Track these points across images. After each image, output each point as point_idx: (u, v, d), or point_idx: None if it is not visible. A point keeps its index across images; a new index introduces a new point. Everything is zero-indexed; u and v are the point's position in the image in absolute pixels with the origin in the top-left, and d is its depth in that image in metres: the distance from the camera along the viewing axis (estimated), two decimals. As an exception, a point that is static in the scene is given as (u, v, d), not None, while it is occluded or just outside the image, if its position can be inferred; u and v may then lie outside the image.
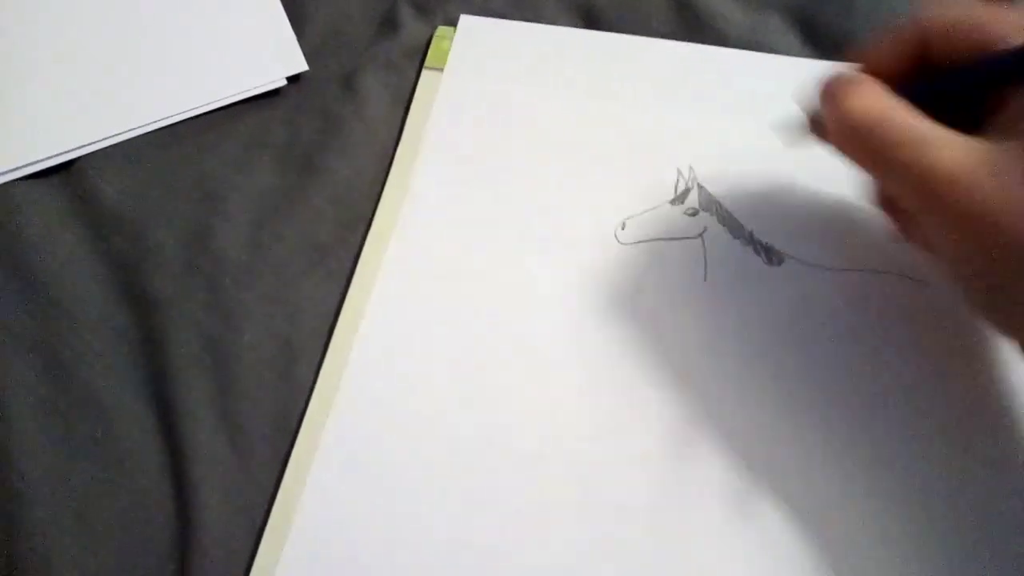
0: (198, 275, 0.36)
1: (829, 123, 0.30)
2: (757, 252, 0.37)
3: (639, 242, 0.37)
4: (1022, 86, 0.26)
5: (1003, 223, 0.24)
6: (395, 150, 0.40)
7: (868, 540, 0.30)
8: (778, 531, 0.30)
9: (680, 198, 0.38)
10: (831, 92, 0.30)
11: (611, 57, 0.43)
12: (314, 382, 0.34)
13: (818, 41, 0.44)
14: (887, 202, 0.33)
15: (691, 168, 0.39)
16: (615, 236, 0.37)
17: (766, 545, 0.30)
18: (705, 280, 0.36)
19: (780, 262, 0.36)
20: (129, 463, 0.32)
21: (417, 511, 0.31)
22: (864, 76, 0.30)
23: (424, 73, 0.43)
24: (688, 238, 0.37)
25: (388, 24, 0.45)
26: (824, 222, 0.37)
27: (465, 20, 0.44)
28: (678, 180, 0.38)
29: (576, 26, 0.46)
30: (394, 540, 0.31)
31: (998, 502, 0.31)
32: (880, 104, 0.28)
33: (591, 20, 0.46)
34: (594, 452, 0.32)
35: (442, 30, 0.45)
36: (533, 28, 0.44)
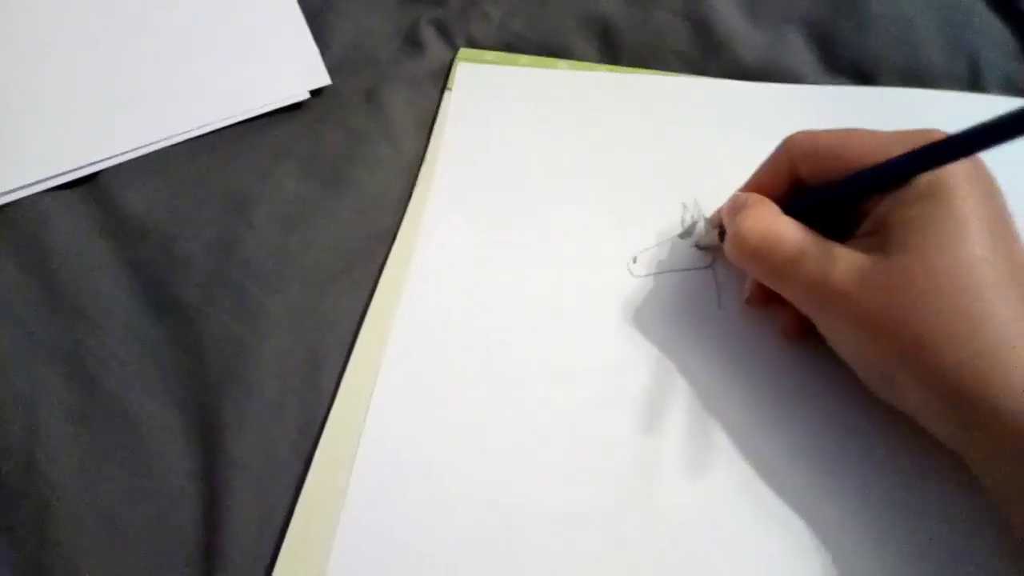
0: (224, 283, 0.37)
1: (727, 245, 0.33)
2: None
3: (652, 275, 0.38)
4: (879, 197, 0.29)
5: (890, 327, 0.27)
6: (419, 167, 0.41)
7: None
8: (795, 549, 0.30)
9: (688, 232, 0.39)
10: (728, 215, 0.33)
11: (611, 94, 0.44)
12: (336, 389, 0.34)
13: (834, 59, 0.45)
14: (759, 300, 0.35)
15: (696, 202, 0.39)
16: (628, 270, 0.38)
17: (793, 557, 0.30)
18: (719, 308, 0.36)
19: None
20: (156, 470, 0.32)
21: (451, 520, 0.31)
22: (756, 197, 0.33)
23: (446, 95, 0.44)
24: (699, 269, 0.38)
25: (410, 43, 0.46)
26: None
27: (463, 68, 0.45)
28: (684, 214, 0.39)
29: (593, 46, 0.46)
30: (429, 549, 0.31)
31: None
32: (770, 222, 0.31)
33: (608, 41, 0.46)
34: (611, 466, 0.32)
35: (464, 52, 0.46)
36: (530, 71, 0.46)
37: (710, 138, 0.42)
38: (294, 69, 0.44)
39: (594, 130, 0.43)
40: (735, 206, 0.33)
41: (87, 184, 0.40)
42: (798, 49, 0.45)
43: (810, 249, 0.30)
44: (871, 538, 0.30)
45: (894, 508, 0.31)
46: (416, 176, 0.41)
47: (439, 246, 0.38)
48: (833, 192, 0.31)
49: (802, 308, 0.31)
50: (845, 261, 0.29)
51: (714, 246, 0.37)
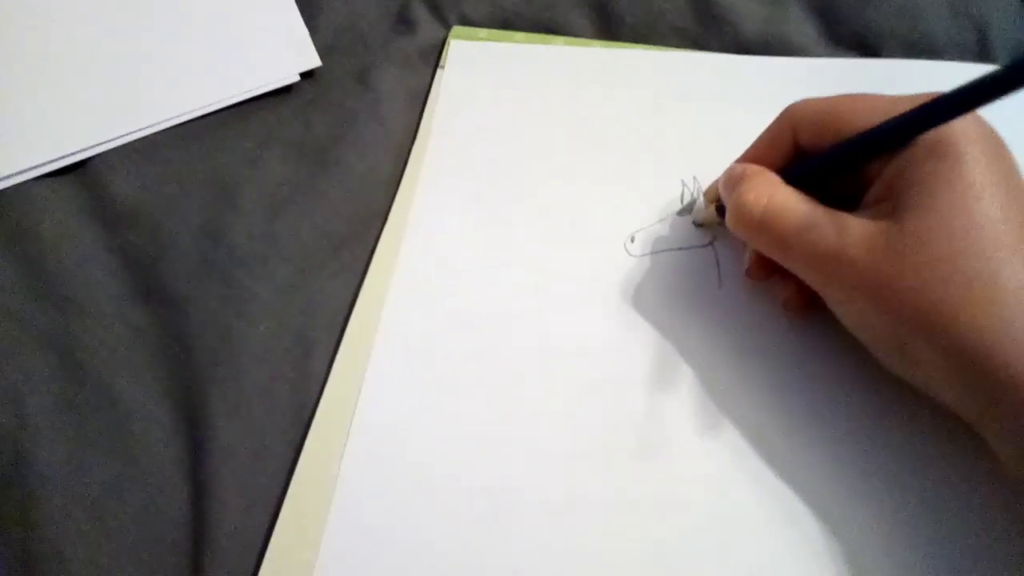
0: (213, 269, 0.36)
1: (729, 217, 0.32)
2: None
3: (649, 254, 0.37)
4: (882, 162, 0.29)
5: (904, 294, 0.26)
6: (410, 147, 0.40)
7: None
8: (799, 533, 0.30)
9: (687, 208, 0.38)
10: (727, 188, 0.33)
11: (607, 70, 0.43)
12: (327, 374, 0.34)
13: (836, 33, 0.44)
14: (760, 273, 0.34)
15: (695, 178, 0.38)
16: (625, 249, 0.37)
17: (796, 546, 0.30)
18: (720, 287, 0.36)
19: None
20: (144, 458, 0.32)
21: (444, 508, 0.31)
22: (755, 168, 0.32)
23: (439, 73, 0.43)
24: (698, 247, 0.37)
25: (402, 22, 0.45)
26: None
27: (456, 45, 0.45)
28: (683, 191, 0.38)
29: (589, 20, 0.46)
30: (422, 537, 0.30)
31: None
32: (771, 193, 0.30)
33: (604, 17, 0.46)
34: (610, 451, 0.32)
35: (457, 30, 0.45)
36: (525, 47, 0.45)
37: (710, 114, 0.41)
38: (283, 51, 0.43)
39: (590, 107, 0.42)
40: (732, 177, 0.33)
41: (76, 171, 0.40)
42: (800, 22, 0.44)
43: (816, 218, 0.29)
44: (877, 519, 0.29)
45: (903, 488, 0.30)
46: (407, 157, 0.40)
47: (430, 227, 0.38)
48: (835, 155, 0.30)
49: (808, 279, 0.30)
50: (853, 228, 0.28)
51: (712, 222, 0.37)
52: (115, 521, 0.31)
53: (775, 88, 0.41)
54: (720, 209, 0.34)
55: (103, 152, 0.40)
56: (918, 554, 0.29)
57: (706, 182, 0.38)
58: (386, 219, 0.38)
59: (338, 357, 0.34)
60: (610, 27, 0.45)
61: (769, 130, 0.33)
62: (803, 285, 0.31)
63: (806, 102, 0.32)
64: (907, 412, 0.31)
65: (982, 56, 0.43)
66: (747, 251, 0.35)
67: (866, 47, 0.43)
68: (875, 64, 0.42)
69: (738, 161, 0.34)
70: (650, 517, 0.30)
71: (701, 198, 0.37)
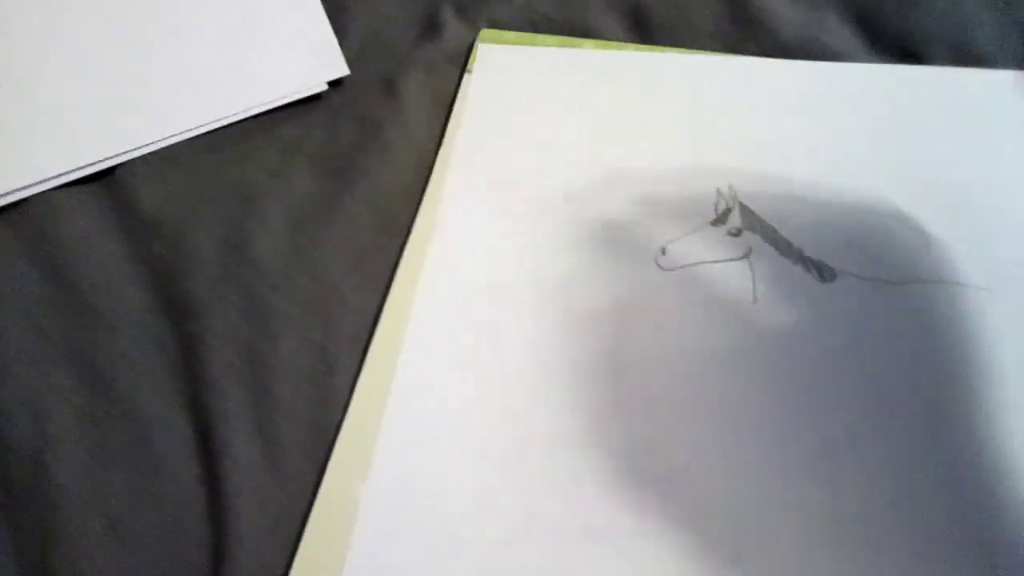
0: (235, 282, 0.36)
1: None
2: (808, 270, 0.35)
3: (681, 267, 0.35)
4: None
5: None
6: (435, 155, 0.40)
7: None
8: (832, 555, 0.29)
9: (721, 218, 0.37)
10: None
11: (640, 75, 0.42)
12: (351, 392, 0.33)
13: (876, 39, 0.42)
14: None
15: (731, 187, 0.37)
16: (656, 262, 0.36)
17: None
18: (755, 302, 0.34)
19: (833, 278, 0.35)
20: (164, 473, 0.32)
21: (469, 528, 0.30)
22: None
23: (466, 77, 0.43)
24: (733, 260, 0.35)
25: (430, 27, 0.45)
26: (876, 234, 0.36)
27: (484, 48, 0.44)
28: (718, 200, 0.37)
29: (622, 26, 0.45)
30: (447, 558, 0.29)
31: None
32: None
33: (638, 20, 0.45)
34: (637, 474, 0.31)
35: (485, 33, 0.44)
36: (554, 51, 0.44)
37: (746, 120, 0.40)
38: (311, 60, 0.43)
39: (621, 112, 0.41)
40: None
41: (102, 180, 0.40)
42: (840, 27, 0.43)
43: None
44: (910, 534, 0.28)
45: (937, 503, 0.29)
46: (431, 165, 0.40)
47: (455, 239, 0.37)
48: None
49: None
50: None
51: None
52: (134, 538, 0.30)
53: (813, 94, 0.40)
54: None
55: (128, 161, 0.40)
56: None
57: (742, 190, 0.37)
58: (410, 230, 0.37)
59: (362, 374, 0.34)
60: (642, 30, 0.44)
61: None
62: None
63: None
64: (967, 419, 0.30)
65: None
66: None
67: (909, 54, 0.42)
68: (918, 71, 0.41)
69: None
70: (673, 543, 0.29)
71: (737, 208, 0.36)
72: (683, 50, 0.43)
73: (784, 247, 0.36)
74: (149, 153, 0.40)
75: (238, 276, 0.36)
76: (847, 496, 0.30)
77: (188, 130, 0.41)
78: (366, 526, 0.30)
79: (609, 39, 0.44)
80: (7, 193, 0.38)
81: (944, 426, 0.31)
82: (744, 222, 0.36)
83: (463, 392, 0.33)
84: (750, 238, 0.36)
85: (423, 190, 0.39)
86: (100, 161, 0.40)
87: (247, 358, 0.34)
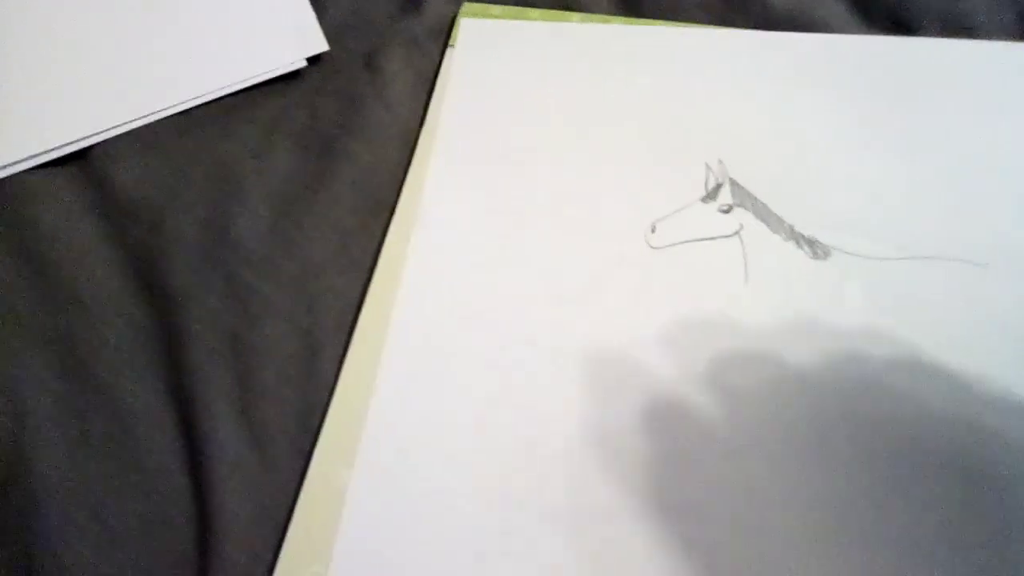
0: (216, 266, 0.35)
1: None
2: (800, 246, 0.35)
3: (672, 245, 0.35)
4: None
5: None
6: (419, 132, 0.39)
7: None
8: (823, 527, 0.28)
9: (712, 195, 0.36)
10: None
11: (626, 48, 0.41)
12: (336, 376, 0.33)
13: (869, 12, 0.42)
14: None
15: (720, 162, 0.37)
16: (645, 240, 0.35)
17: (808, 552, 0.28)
18: (746, 281, 0.34)
19: (826, 255, 0.34)
20: (147, 463, 0.31)
21: (457, 516, 0.30)
22: None
23: (449, 52, 0.42)
24: (724, 237, 0.35)
25: (411, 1, 0.43)
26: (870, 209, 0.35)
27: (466, 23, 0.43)
28: (708, 176, 0.36)
29: (613, 3, 0.44)
30: (434, 545, 0.29)
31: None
32: None
33: (627, -5, 0.44)
34: (624, 457, 0.30)
35: (467, 7, 0.43)
36: (539, 25, 0.43)
37: (736, 93, 0.39)
38: (290, 36, 0.42)
39: (609, 87, 0.40)
40: None
41: (77, 161, 0.39)
42: (830, 2, 0.42)
43: None
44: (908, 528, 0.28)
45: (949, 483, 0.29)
46: (415, 143, 0.39)
47: (440, 219, 0.36)
48: None
49: None
50: None
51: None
52: (118, 528, 0.30)
53: (804, 66, 0.40)
54: None
55: (104, 141, 0.39)
56: None
57: (732, 165, 0.36)
58: (394, 210, 0.37)
59: (348, 358, 0.33)
60: (630, 4, 0.43)
61: None
62: None
63: None
64: (968, 403, 0.30)
65: (1021, 35, 0.40)
66: None
67: (900, 25, 0.41)
68: (910, 43, 0.40)
69: None
70: (665, 524, 0.29)
71: (727, 183, 0.35)
72: (671, 23, 0.42)
73: (775, 224, 0.35)
74: (125, 133, 0.39)
75: (219, 259, 0.35)
76: (843, 476, 0.29)
77: (165, 109, 0.40)
78: (353, 513, 0.30)
79: (595, 12, 0.43)
80: (-23, 177, 0.37)
81: (941, 406, 0.30)
82: (735, 198, 0.36)
83: (450, 376, 0.32)
84: (741, 215, 0.35)
85: (407, 168, 0.38)
86: (75, 142, 0.39)
87: (230, 343, 0.33)
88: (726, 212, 0.36)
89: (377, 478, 0.30)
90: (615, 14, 0.43)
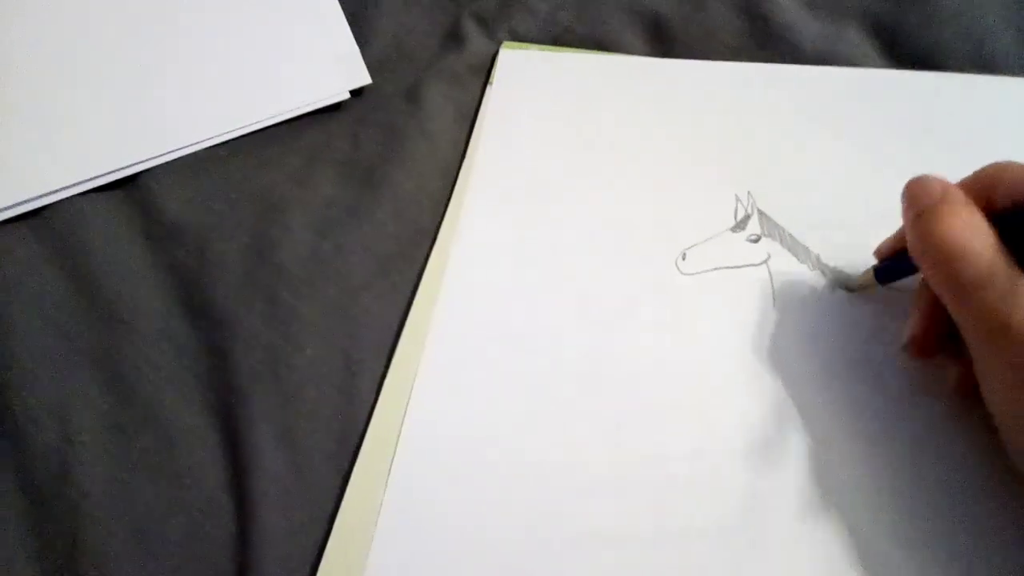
0: (259, 288, 0.36)
1: (910, 233, 0.28)
2: (825, 276, 0.35)
3: (702, 272, 0.36)
4: None
5: None
6: (459, 165, 0.40)
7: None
8: (847, 554, 0.28)
9: (740, 224, 0.37)
10: (924, 205, 0.28)
11: (660, 82, 0.42)
12: (375, 399, 0.33)
13: (898, 52, 0.43)
14: (926, 348, 0.31)
15: (749, 194, 0.37)
16: (676, 266, 0.36)
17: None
18: (774, 307, 0.34)
19: (853, 287, 0.35)
20: (189, 479, 0.32)
21: (490, 538, 0.30)
22: (960, 196, 0.28)
23: (489, 89, 0.43)
24: (752, 265, 0.36)
25: (452, 38, 0.45)
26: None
27: (505, 57, 0.44)
28: (737, 207, 0.37)
29: (642, 39, 0.45)
30: (468, 566, 0.29)
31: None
32: (968, 234, 0.26)
33: (658, 33, 0.45)
34: (658, 479, 0.31)
35: (507, 45, 0.44)
36: (575, 56, 0.44)
37: (765, 126, 0.40)
38: (334, 68, 0.43)
39: (642, 119, 0.41)
40: (934, 200, 0.28)
41: (125, 186, 0.40)
42: (859, 41, 0.43)
43: (998, 273, 0.25)
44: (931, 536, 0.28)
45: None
46: (455, 174, 0.40)
47: (477, 246, 0.37)
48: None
49: (968, 337, 0.27)
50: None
51: (866, 285, 0.34)
52: (159, 543, 0.30)
53: (833, 99, 0.40)
54: (881, 271, 0.32)
55: (152, 167, 0.40)
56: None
57: (760, 196, 0.37)
58: (435, 238, 0.38)
59: (387, 380, 0.33)
60: (663, 44, 0.44)
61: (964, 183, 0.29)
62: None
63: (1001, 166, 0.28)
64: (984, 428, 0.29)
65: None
66: (911, 320, 0.31)
67: (927, 66, 0.42)
68: (938, 77, 0.41)
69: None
70: (696, 548, 0.29)
71: (756, 214, 0.36)
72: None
73: (803, 254, 0.36)
74: (173, 160, 0.40)
75: (262, 282, 0.36)
76: (866, 491, 0.30)
77: (211, 137, 0.41)
78: (386, 532, 0.30)
79: (629, 52, 0.44)
80: (31, 199, 0.38)
81: (961, 434, 0.31)
82: (763, 229, 0.36)
83: (483, 400, 0.33)
84: (769, 244, 0.36)
85: (448, 199, 0.39)
86: (124, 167, 0.40)
87: (271, 364, 0.34)
88: (755, 242, 0.36)
89: (410, 498, 0.31)
90: (649, 55, 0.44)
